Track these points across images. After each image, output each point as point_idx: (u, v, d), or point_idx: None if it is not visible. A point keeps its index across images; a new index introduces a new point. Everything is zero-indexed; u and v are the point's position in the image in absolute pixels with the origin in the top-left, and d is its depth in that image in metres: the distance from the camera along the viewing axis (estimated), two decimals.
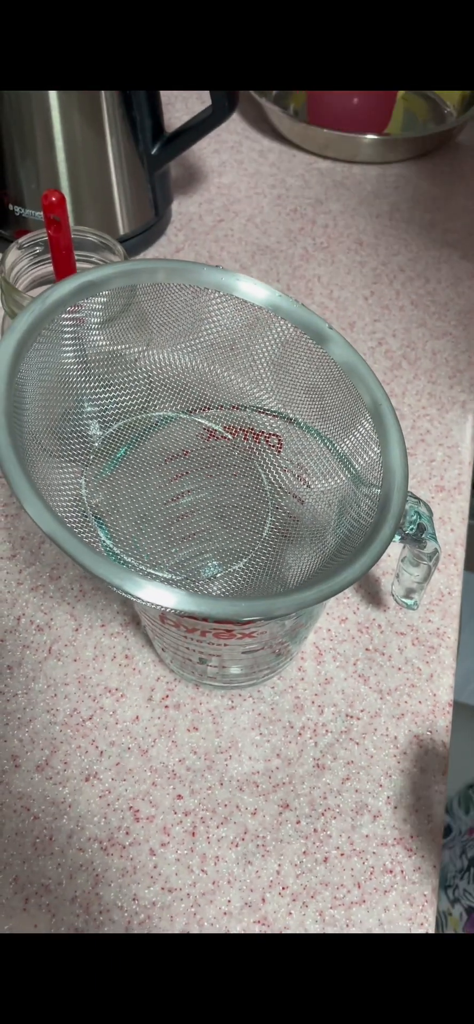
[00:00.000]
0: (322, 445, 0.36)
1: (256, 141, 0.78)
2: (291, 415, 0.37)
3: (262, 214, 0.70)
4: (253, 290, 0.35)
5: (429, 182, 0.75)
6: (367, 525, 0.31)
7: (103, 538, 0.32)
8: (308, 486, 0.38)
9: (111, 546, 0.32)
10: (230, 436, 0.38)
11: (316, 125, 0.74)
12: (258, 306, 0.35)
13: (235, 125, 0.80)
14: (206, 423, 0.38)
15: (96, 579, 0.27)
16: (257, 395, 0.38)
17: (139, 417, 0.37)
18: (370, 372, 0.33)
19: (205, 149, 0.76)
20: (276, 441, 0.38)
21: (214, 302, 0.35)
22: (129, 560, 0.32)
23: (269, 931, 0.35)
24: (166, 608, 0.26)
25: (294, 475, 0.38)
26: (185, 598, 0.26)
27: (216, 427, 0.38)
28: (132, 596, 0.26)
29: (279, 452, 0.38)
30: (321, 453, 0.36)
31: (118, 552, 0.32)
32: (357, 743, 0.40)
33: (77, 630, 0.44)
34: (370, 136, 0.74)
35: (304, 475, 0.38)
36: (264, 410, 0.38)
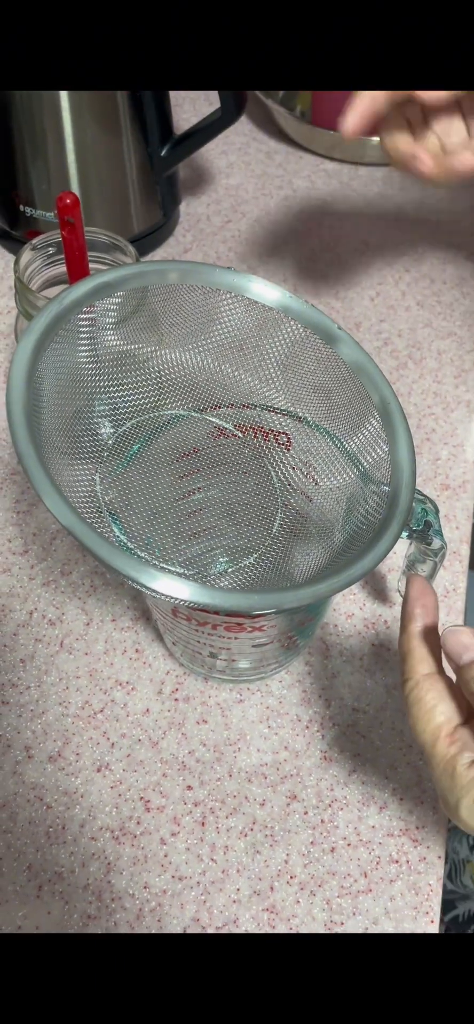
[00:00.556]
0: (331, 443, 0.37)
1: (263, 143, 0.79)
2: (300, 413, 0.38)
3: (269, 215, 0.71)
4: (264, 291, 0.35)
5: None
6: (375, 521, 0.31)
7: (117, 533, 0.33)
8: (316, 483, 0.39)
9: (125, 541, 0.33)
10: (240, 434, 0.39)
11: (322, 127, 0.75)
12: (269, 307, 0.36)
13: (242, 127, 0.81)
14: (217, 421, 0.39)
15: (112, 571, 0.27)
16: (267, 394, 0.38)
17: (151, 415, 0.38)
18: (378, 371, 0.34)
19: (213, 151, 0.77)
20: (285, 439, 0.39)
21: (225, 302, 0.36)
22: (142, 555, 0.33)
23: (277, 919, 0.36)
24: (181, 600, 0.27)
25: (303, 473, 0.39)
26: (199, 591, 0.26)
27: (226, 425, 0.39)
28: (147, 589, 0.27)
29: (288, 450, 0.39)
30: (329, 451, 0.37)
31: (131, 547, 0.33)
32: (363, 736, 0.41)
33: (88, 624, 0.44)
34: (376, 138, 0.74)
35: (313, 473, 0.38)
36: (273, 409, 0.38)
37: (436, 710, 0.29)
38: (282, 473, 0.39)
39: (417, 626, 0.30)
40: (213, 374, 0.38)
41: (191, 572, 0.35)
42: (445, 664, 0.31)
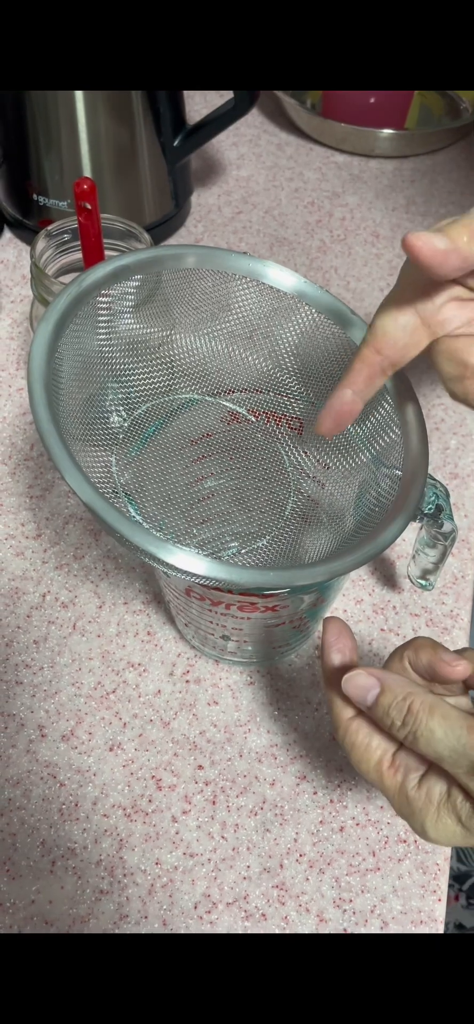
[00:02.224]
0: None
1: (274, 135, 0.79)
2: (313, 398, 0.38)
3: (280, 206, 0.71)
4: (280, 276, 0.36)
5: (445, 176, 0.75)
6: (388, 504, 0.32)
7: (133, 514, 0.33)
8: (328, 468, 0.39)
9: (141, 522, 0.33)
10: (253, 419, 0.39)
11: (332, 119, 0.75)
12: (283, 292, 0.36)
13: (253, 119, 0.81)
14: (230, 406, 0.39)
15: (132, 547, 0.28)
16: (280, 378, 0.39)
17: (165, 399, 0.38)
18: None
19: (224, 142, 0.77)
20: (298, 424, 0.39)
21: (240, 287, 0.37)
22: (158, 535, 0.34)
23: (287, 895, 0.36)
24: (199, 577, 0.27)
25: (315, 458, 0.39)
26: (217, 567, 0.27)
27: (240, 410, 0.39)
28: (166, 565, 0.27)
29: (300, 435, 0.39)
30: (341, 436, 0.37)
31: (147, 527, 0.33)
32: None
33: (101, 607, 0.45)
34: (387, 131, 0.75)
35: (324, 458, 0.39)
36: (287, 393, 0.39)
37: (371, 747, 0.29)
38: (294, 458, 0.39)
39: (335, 674, 0.30)
40: (227, 359, 0.39)
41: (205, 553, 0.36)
42: None
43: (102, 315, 0.35)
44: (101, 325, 0.36)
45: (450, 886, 0.87)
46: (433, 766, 0.28)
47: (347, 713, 0.29)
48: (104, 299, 0.34)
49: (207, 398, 0.39)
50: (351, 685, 0.28)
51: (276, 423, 0.40)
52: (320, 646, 0.31)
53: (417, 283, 0.30)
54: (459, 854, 0.90)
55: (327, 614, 0.44)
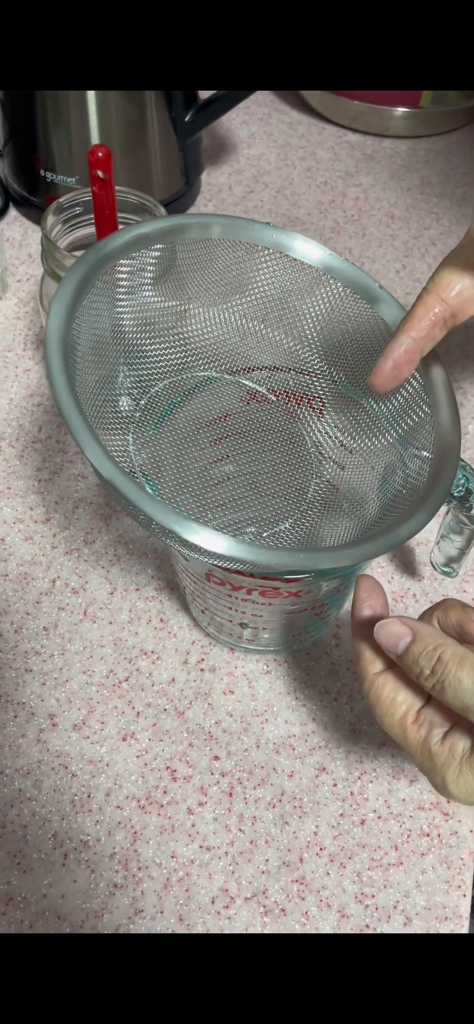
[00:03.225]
0: (367, 407, 0.36)
1: (285, 113, 0.78)
2: (336, 376, 0.37)
3: (292, 186, 0.69)
4: (306, 249, 0.34)
5: (460, 157, 0.74)
6: (419, 484, 0.31)
7: (151, 493, 0.32)
8: (350, 452, 0.38)
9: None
10: (273, 398, 0.38)
11: (345, 97, 0.73)
12: (308, 264, 0.35)
13: (264, 97, 0.80)
14: (250, 384, 0.38)
15: (155, 527, 0.26)
16: (302, 355, 0.38)
17: (182, 377, 0.37)
18: None
19: (234, 120, 0.76)
20: (319, 404, 0.38)
21: (262, 259, 0.35)
22: None
23: (307, 890, 0.35)
24: (228, 559, 0.26)
25: (336, 439, 0.38)
26: (247, 548, 0.26)
27: (260, 388, 0.38)
28: (192, 547, 0.26)
29: (322, 415, 0.38)
30: (366, 415, 0.36)
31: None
32: None
33: (112, 593, 0.44)
34: (401, 109, 0.73)
35: (347, 438, 0.38)
36: (308, 372, 0.38)
37: (396, 701, 0.29)
38: (316, 439, 0.38)
39: (365, 628, 0.30)
40: (246, 335, 0.37)
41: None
42: None
43: (119, 287, 0.34)
44: (118, 297, 0.34)
45: None
46: (458, 723, 0.28)
47: (374, 668, 0.30)
48: (122, 270, 0.33)
49: (226, 376, 0.37)
50: (383, 632, 0.28)
51: (297, 403, 0.38)
52: (352, 602, 0.31)
53: None
54: None
55: (346, 603, 0.43)
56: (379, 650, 0.30)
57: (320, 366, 0.37)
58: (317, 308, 0.36)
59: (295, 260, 0.35)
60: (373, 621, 0.30)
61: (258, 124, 0.76)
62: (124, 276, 0.34)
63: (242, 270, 0.36)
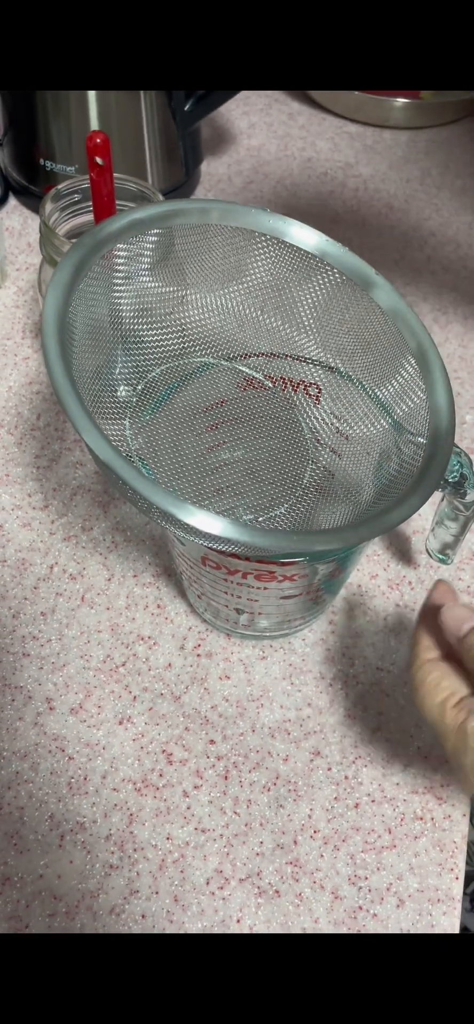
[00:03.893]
0: (363, 393, 0.36)
1: (285, 104, 0.78)
2: (332, 363, 0.37)
3: (292, 176, 0.69)
4: (302, 235, 0.35)
5: (460, 148, 0.74)
6: (413, 469, 0.31)
7: (148, 476, 0.32)
8: (346, 438, 0.38)
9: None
10: (270, 384, 0.38)
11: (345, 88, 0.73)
12: (305, 251, 0.35)
13: None
14: (246, 371, 0.38)
15: (150, 507, 0.26)
16: (299, 341, 0.38)
17: (179, 363, 0.37)
18: (416, 318, 0.33)
19: (234, 111, 0.76)
20: (316, 390, 0.38)
21: (259, 245, 0.35)
22: None
23: (301, 872, 0.35)
24: (221, 540, 0.26)
25: (332, 426, 0.38)
26: (239, 529, 0.26)
27: (256, 375, 0.38)
28: (187, 527, 0.26)
29: (318, 402, 0.38)
30: (362, 401, 0.36)
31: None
32: (388, 695, 0.40)
33: (109, 580, 0.44)
34: (402, 100, 0.73)
35: (344, 425, 0.38)
36: (305, 358, 0.38)
37: (440, 686, 0.30)
38: (312, 425, 0.38)
39: (431, 616, 0.32)
40: (243, 321, 0.38)
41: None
42: None
43: (117, 272, 0.34)
44: (116, 283, 0.34)
45: None
46: None
47: (428, 654, 0.31)
48: (119, 256, 0.33)
49: (223, 362, 0.37)
50: (450, 614, 0.30)
51: (294, 390, 0.38)
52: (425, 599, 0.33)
53: None
54: (468, 854, 0.89)
55: (341, 590, 0.43)
56: (436, 640, 0.31)
57: (317, 353, 0.37)
58: (314, 295, 0.36)
59: (292, 247, 0.35)
60: (439, 610, 0.31)
61: (258, 115, 0.76)
62: (121, 262, 0.34)
63: (240, 257, 0.36)
